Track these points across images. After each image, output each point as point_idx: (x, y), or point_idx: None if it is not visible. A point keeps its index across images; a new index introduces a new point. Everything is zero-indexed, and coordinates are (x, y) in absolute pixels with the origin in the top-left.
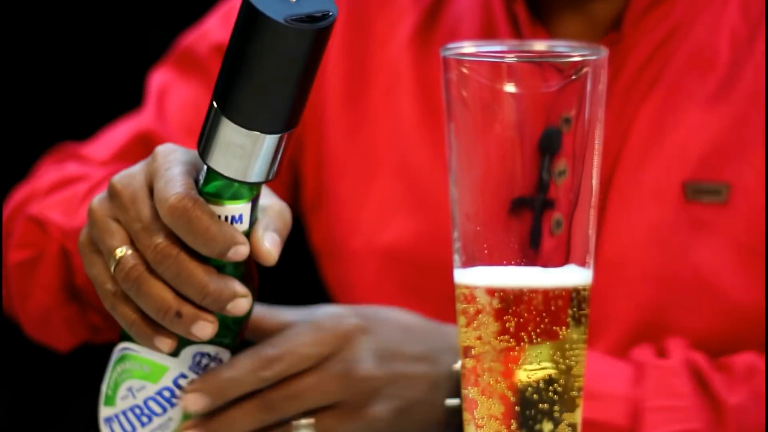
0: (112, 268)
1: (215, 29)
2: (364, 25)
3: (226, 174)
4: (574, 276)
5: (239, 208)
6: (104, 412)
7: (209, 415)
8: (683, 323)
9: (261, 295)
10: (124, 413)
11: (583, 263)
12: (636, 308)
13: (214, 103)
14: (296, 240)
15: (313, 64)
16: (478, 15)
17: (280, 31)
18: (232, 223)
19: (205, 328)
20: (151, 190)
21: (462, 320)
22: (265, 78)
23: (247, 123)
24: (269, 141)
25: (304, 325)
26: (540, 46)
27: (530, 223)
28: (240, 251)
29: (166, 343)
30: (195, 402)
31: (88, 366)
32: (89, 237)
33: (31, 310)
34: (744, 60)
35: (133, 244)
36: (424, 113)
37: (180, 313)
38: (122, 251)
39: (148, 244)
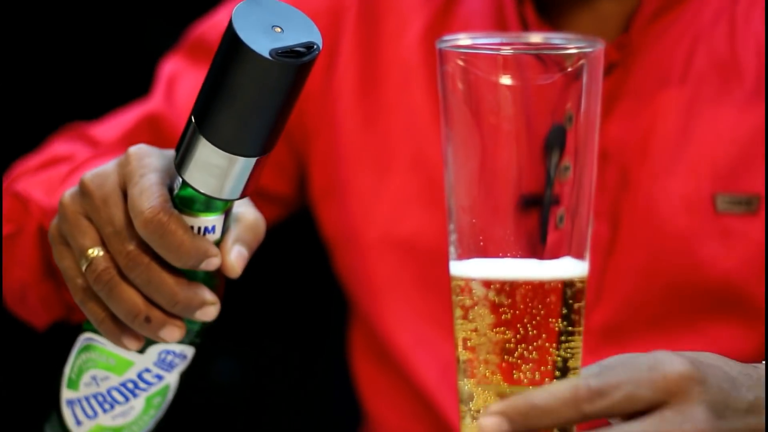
0: (84, 267)
1: (227, 19)
2: (376, 21)
3: (201, 190)
4: (570, 268)
5: (212, 219)
6: (67, 394)
7: None
8: (710, 332)
9: (269, 288)
10: (86, 398)
11: (580, 256)
12: (664, 316)
13: (193, 121)
14: (304, 232)
15: (295, 94)
16: (489, 16)
17: (265, 65)
18: (204, 233)
19: (173, 332)
20: (124, 194)
21: (458, 312)
22: (247, 106)
23: (225, 146)
24: (246, 163)
25: (635, 361)
26: (536, 38)
27: (534, 217)
28: (212, 263)
29: (134, 343)
30: (493, 426)
31: None
32: (59, 229)
33: (10, 284)
34: None
35: (104, 244)
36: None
37: (149, 318)
38: (94, 252)
39: (120, 250)
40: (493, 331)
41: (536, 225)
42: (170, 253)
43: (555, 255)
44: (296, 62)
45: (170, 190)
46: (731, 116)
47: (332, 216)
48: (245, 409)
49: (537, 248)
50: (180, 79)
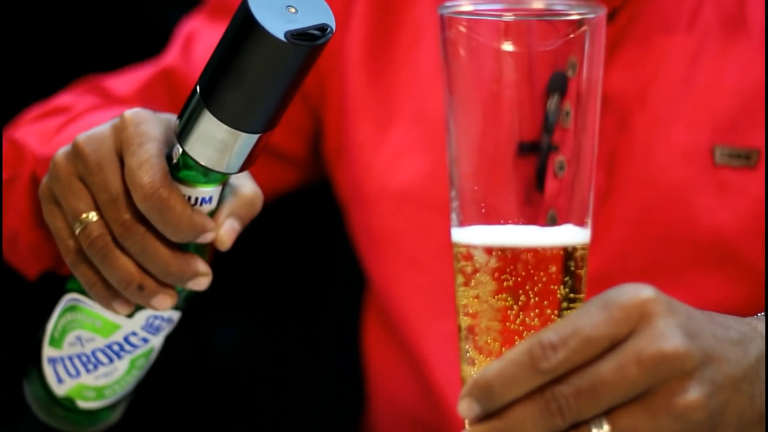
0: (77, 231)
1: None
2: (389, 9)
3: (202, 162)
4: (572, 235)
5: (209, 190)
6: (48, 351)
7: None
8: (700, 285)
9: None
10: (69, 358)
11: (581, 222)
12: (653, 267)
13: (198, 93)
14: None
15: (305, 74)
16: None
17: (279, 47)
18: (201, 203)
19: (165, 301)
20: (120, 160)
21: (459, 279)
22: (256, 84)
23: (230, 121)
24: (249, 139)
25: (587, 305)
26: (538, 4)
27: (533, 169)
28: (207, 237)
29: (124, 308)
30: (468, 410)
31: None
32: (51, 188)
33: (3, 230)
34: None
35: (98, 209)
36: None
37: (142, 287)
38: (88, 217)
39: (115, 218)
40: (494, 298)
41: (541, 172)
42: (168, 228)
43: (553, 204)
44: (310, 45)
45: (168, 158)
46: (735, 69)
47: (343, 173)
48: (246, 378)
49: (536, 199)
50: (198, 37)
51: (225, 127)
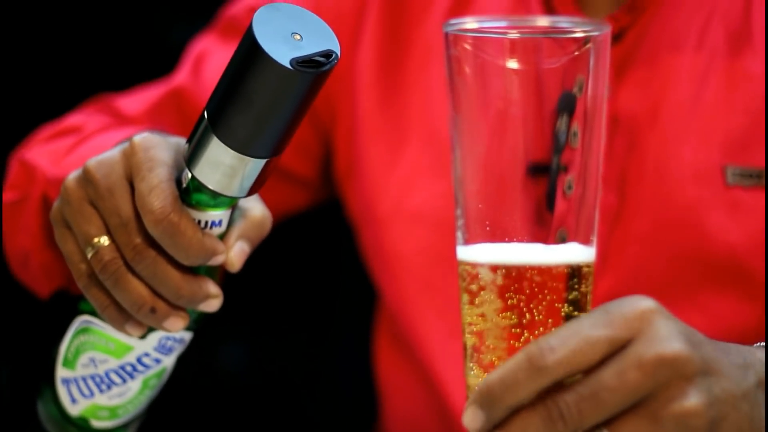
0: (89, 255)
1: (259, 1)
2: (401, 2)
3: (210, 187)
4: (577, 253)
5: (219, 214)
6: (62, 372)
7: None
8: (713, 304)
9: (276, 275)
10: (83, 378)
11: (587, 241)
12: (666, 286)
13: (206, 119)
14: (316, 219)
15: (311, 100)
16: None
17: (285, 74)
18: (211, 227)
19: (177, 323)
20: (130, 185)
21: (465, 297)
22: (263, 110)
23: (237, 146)
24: (257, 164)
25: (587, 315)
26: (543, 21)
27: (542, 188)
28: (217, 260)
29: (137, 331)
30: (472, 420)
31: None
32: (62, 212)
33: (15, 250)
34: None
35: (109, 233)
36: None
37: (154, 310)
38: (100, 241)
39: (127, 242)
40: (499, 316)
41: (544, 198)
42: (179, 252)
43: (563, 223)
44: (315, 72)
45: (177, 182)
46: (744, 87)
47: (354, 193)
48: (253, 397)
49: (545, 218)
50: (209, 57)
51: (232, 152)
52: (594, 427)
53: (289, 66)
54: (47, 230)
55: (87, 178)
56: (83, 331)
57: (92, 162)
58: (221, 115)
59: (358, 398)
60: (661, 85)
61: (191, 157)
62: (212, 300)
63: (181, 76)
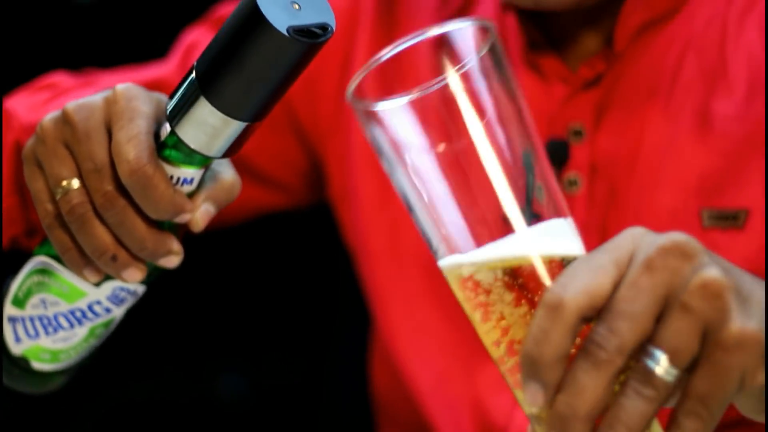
0: (58, 196)
1: None
2: (392, 26)
3: (191, 145)
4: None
5: (192, 172)
6: (10, 310)
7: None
8: None
9: (274, 302)
10: (31, 319)
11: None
12: None
13: (195, 78)
14: (309, 245)
15: (301, 70)
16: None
17: (281, 41)
18: (182, 184)
19: (135, 274)
20: (108, 132)
21: (477, 315)
22: (254, 75)
23: (224, 108)
24: (239, 127)
25: (587, 254)
26: (434, 31)
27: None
28: (184, 218)
29: (94, 276)
30: (532, 396)
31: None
32: (34, 151)
33: None
34: (760, 83)
35: (81, 177)
36: (447, 158)
37: (115, 258)
38: (70, 183)
39: (98, 188)
40: (516, 307)
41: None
42: (149, 204)
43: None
44: (311, 42)
45: (155, 135)
46: (719, 127)
47: (348, 221)
48: (251, 425)
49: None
50: (199, 50)
51: (219, 113)
52: (639, 342)
53: (285, 33)
54: (16, 176)
55: (65, 120)
56: (38, 272)
57: (72, 105)
58: (211, 76)
59: (356, 424)
60: (638, 129)
61: (174, 113)
62: (173, 256)
63: (168, 67)
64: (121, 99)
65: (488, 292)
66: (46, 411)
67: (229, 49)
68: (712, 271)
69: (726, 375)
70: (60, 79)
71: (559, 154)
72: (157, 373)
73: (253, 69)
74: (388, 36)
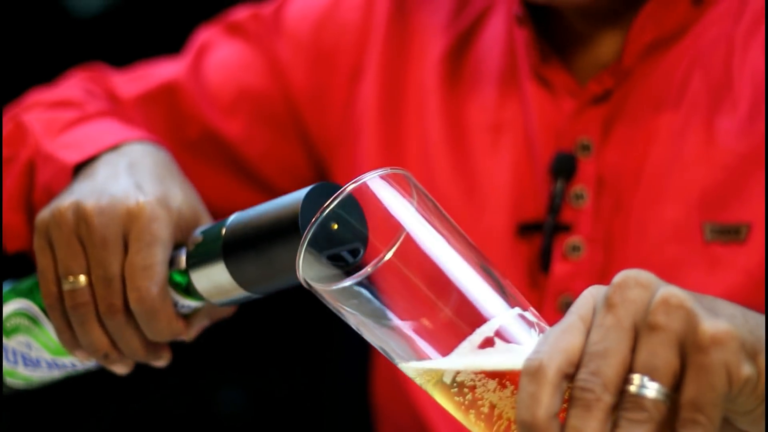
0: (65, 287)
1: (271, 15)
2: (403, 41)
3: (200, 293)
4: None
5: (195, 305)
6: None
7: None
8: None
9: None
10: (14, 350)
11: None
12: None
13: (222, 247)
14: None
15: None
16: (503, 43)
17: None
18: (182, 308)
19: (123, 369)
20: (124, 244)
21: (471, 417)
22: (275, 269)
23: (238, 279)
24: (243, 293)
25: None
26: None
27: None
28: (179, 338)
29: (83, 358)
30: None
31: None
32: (48, 230)
33: None
34: (763, 101)
35: (88, 274)
36: (448, 133)
37: (107, 356)
38: (78, 280)
39: (104, 297)
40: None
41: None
42: (148, 330)
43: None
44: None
45: (171, 259)
46: (722, 142)
47: None
48: None
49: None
50: (211, 51)
51: (233, 281)
52: (622, 376)
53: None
54: (24, 195)
55: (84, 218)
56: (30, 318)
57: (93, 207)
58: (237, 250)
59: None
60: (644, 143)
61: (194, 262)
62: (162, 361)
63: (181, 68)
64: (143, 217)
65: (473, 388)
66: (45, 423)
67: (262, 240)
68: (670, 288)
69: (711, 374)
70: (79, 95)
71: (566, 168)
72: (156, 387)
73: (276, 265)
74: (400, 49)
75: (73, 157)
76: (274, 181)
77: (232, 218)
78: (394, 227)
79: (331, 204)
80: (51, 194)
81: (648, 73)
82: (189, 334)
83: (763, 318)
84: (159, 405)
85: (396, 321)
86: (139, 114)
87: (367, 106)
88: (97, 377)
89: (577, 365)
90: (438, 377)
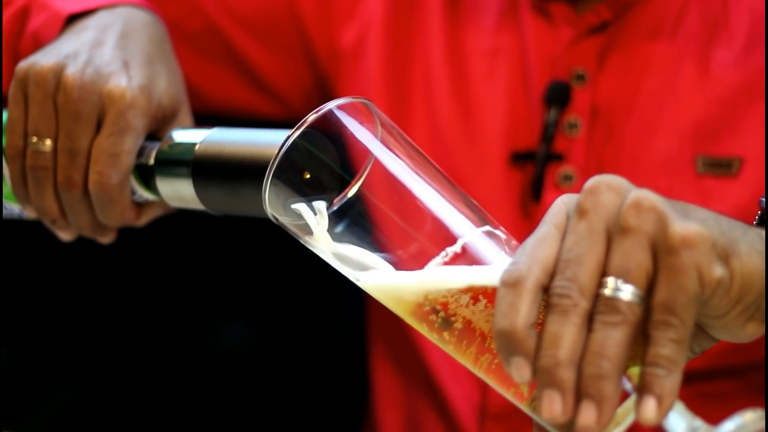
0: (29, 145)
1: None
2: (405, 12)
3: (162, 194)
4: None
5: (151, 198)
6: None
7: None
8: None
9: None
10: None
11: None
12: None
13: (193, 167)
14: None
15: None
16: None
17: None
18: (139, 198)
19: (67, 236)
20: (97, 122)
21: (446, 336)
22: (238, 199)
23: (201, 197)
24: (204, 209)
25: None
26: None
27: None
28: (126, 225)
29: (32, 214)
30: (517, 370)
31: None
32: (26, 81)
33: None
34: (760, 35)
35: (55, 140)
36: (448, 57)
37: (54, 221)
38: (44, 143)
39: (64, 167)
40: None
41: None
42: (101, 214)
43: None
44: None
45: (141, 149)
46: (716, 75)
47: None
48: (253, 375)
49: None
50: None
51: (197, 199)
52: (596, 280)
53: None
54: (12, 39)
55: (63, 86)
56: None
57: (75, 73)
58: (205, 176)
59: (356, 380)
60: (638, 74)
61: (162, 163)
62: (106, 239)
63: None
64: (122, 102)
65: (446, 305)
66: (52, 357)
67: (232, 172)
68: (641, 192)
69: (681, 275)
70: None
71: (560, 96)
72: (163, 323)
73: (242, 197)
74: (401, 18)
75: (68, 6)
76: (273, 86)
77: (209, 135)
78: (361, 156)
79: (295, 133)
80: (38, 43)
81: (645, 5)
82: (140, 221)
83: (736, 222)
84: (167, 341)
85: (367, 250)
86: None
87: (374, 22)
88: (103, 313)
89: (553, 273)
90: (411, 296)
